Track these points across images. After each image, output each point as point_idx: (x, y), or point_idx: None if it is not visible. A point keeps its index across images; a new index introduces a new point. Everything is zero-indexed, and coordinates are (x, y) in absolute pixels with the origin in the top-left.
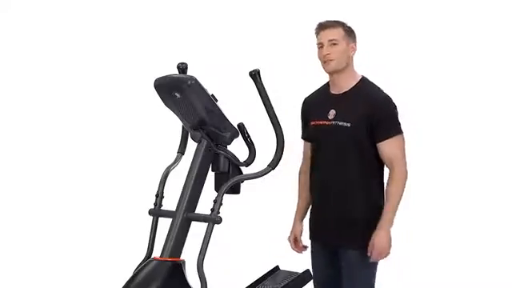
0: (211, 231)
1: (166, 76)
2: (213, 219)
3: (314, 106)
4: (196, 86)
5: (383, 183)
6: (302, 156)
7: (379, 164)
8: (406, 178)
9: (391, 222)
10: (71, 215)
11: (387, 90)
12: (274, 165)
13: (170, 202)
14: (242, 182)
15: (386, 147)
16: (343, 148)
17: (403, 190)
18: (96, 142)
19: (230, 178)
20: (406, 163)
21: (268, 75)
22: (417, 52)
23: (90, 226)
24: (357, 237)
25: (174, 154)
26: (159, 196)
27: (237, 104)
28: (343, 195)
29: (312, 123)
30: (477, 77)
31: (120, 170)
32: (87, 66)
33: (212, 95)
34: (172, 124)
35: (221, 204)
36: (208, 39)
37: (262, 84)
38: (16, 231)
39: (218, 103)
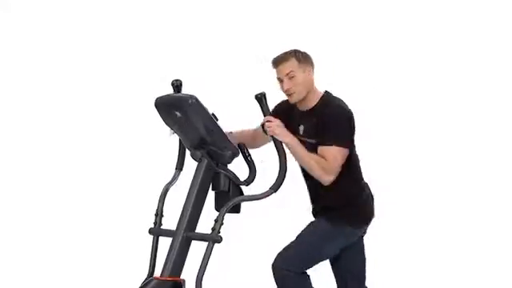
0: (211, 250)
1: (167, 95)
2: (213, 238)
3: (289, 117)
4: (197, 105)
5: (356, 177)
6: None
7: (347, 165)
8: (321, 174)
9: (293, 142)
10: (71, 236)
11: (386, 90)
12: (276, 188)
13: (170, 216)
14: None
15: (322, 152)
16: None
17: (310, 166)
18: (94, 162)
19: (232, 199)
20: (333, 170)
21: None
22: (414, 52)
23: (91, 246)
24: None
25: (172, 171)
26: (159, 215)
27: (238, 123)
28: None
29: None
30: (473, 77)
31: (120, 187)
32: (87, 67)
33: (212, 114)
34: (170, 141)
35: (222, 224)
36: (207, 50)
37: (267, 106)
38: (15, 240)
39: (218, 122)
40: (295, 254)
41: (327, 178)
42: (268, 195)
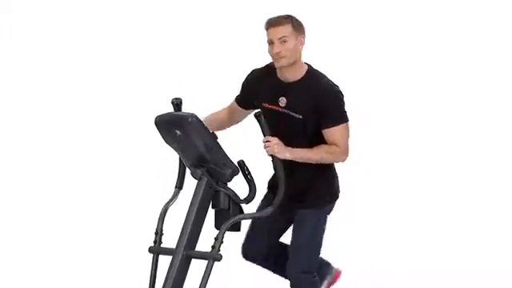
0: (211, 268)
1: (167, 113)
2: (213, 256)
3: (264, 87)
4: (196, 123)
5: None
6: None
7: (319, 140)
8: (337, 159)
9: (293, 154)
10: (70, 256)
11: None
12: (275, 206)
13: (170, 234)
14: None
15: (330, 135)
16: (293, 134)
17: (322, 160)
18: (94, 181)
19: (232, 217)
20: (347, 149)
21: None
22: (414, 52)
23: (90, 264)
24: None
25: (172, 190)
26: (159, 233)
27: (237, 141)
28: (297, 170)
29: (264, 105)
30: (473, 76)
31: (119, 206)
32: (87, 70)
33: (212, 132)
34: (170, 159)
35: (222, 242)
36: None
37: (266, 125)
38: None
39: (218, 140)
40: (303, 255)
41: (342, 159)
42: (268, 213)
